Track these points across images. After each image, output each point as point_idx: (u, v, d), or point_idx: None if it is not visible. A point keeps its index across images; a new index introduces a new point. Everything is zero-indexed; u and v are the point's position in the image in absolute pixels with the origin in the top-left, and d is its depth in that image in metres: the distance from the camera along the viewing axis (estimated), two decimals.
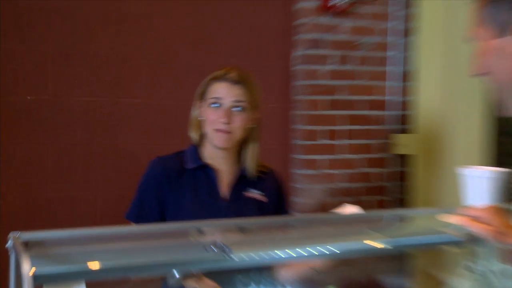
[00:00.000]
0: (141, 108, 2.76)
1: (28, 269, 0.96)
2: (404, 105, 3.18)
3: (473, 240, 1.31)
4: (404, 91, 3.17)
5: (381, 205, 3.12)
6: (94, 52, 2.66)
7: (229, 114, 1.77)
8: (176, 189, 1.79)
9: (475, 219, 1.26)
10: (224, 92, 1.78)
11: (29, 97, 2.54)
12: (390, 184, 3.16)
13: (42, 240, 1.14)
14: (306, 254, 1.27)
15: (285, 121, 2.96)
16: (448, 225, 1.31)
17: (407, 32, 3.14)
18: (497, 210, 1.26)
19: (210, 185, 1.82)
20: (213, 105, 1.78)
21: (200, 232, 1.36)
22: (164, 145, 2.55)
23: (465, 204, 1.33)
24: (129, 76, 2.73)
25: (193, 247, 1.25)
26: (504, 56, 1.08)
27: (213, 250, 1.16)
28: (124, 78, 2.73)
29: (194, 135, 1.85)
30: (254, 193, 1.87)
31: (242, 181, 1.86)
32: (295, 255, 1.27)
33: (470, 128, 3.15)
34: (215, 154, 1.83)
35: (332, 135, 3.03)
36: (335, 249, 1.29)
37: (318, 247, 1.28)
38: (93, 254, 1.13)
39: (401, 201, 3.17)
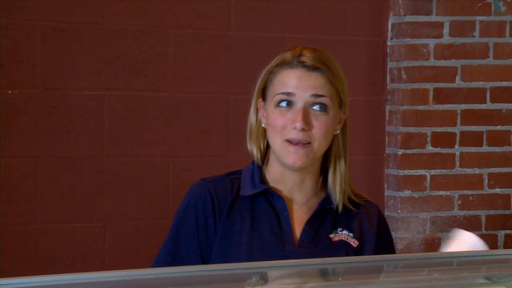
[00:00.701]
0: (163, 105, 2.55)
1: None
2: None
3: None
4: None
5: None
6: (107, 25, 2.47)
7: (306, 115, 1.51)
8: (227, 225, 1.56)
9: None
10: (297, 84, 1.53)
11: (10, 92, 2.38)
12: None
13: None
14: None
15: (374, 121, 2.74)
16: None
17: None
18: None
19: (277, 220, 1.58)
20: (281, 104, 1.52)
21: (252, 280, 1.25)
22: (202, 157, 2.58)
23: None
24: (155, 58, 2.51)
25: None
26: None
27: None
28: (147, 62, 2.50)
29: (254, 149, 1.62)
30: (342, 235, 1.60)
31: (324, 216, 1.61)
32: None
33: None
34: (286, 177, 1.58)
35: (446, 140, 2.71)
36: None
37: None
38: None
39: None
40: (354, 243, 1.59)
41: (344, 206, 1.60)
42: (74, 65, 2.45)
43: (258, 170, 1.61)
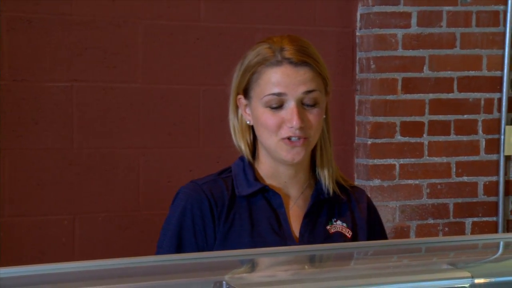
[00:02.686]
0: (139, 97, 2.58)
1: None
2: None
3: None
4: None
5: (492, 228, 2.90)
6: (76, 17, 2.49)
7: (301, 113, 1.54)
8: (225, 228, 1.59)
9: None
10: (286, 82, 1.54)
11: None
12: (499, 199, 2.91)
13: None
14: None
15: (344, 111, 2.76)
16: None
17: None
18: None
19: (276, 218, 1.61)
20: (273, 105, 1.55)
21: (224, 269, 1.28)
22: (172, 149, 2.62)
23: None
24: (125, 50, 2.54)
25: None
26: None
27: None
28: (117, 54, 2.53)
29: (242, 146, 1.62)
30: (337, 225, 1.66)
31: (319, 208, 1.65)
32: None
33: None
34: (279, 172, 1.61)
35: (415, 129, 2.77)
36: None
37: None
38: None
39: None
40: (349, 233, 1.65)
41: (334, 194, 1.64)
42: (42, 56, 2.44)
43: (250, 167, 1.62)
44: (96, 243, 2.52)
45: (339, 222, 1.64)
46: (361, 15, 2.76)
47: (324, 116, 1.62)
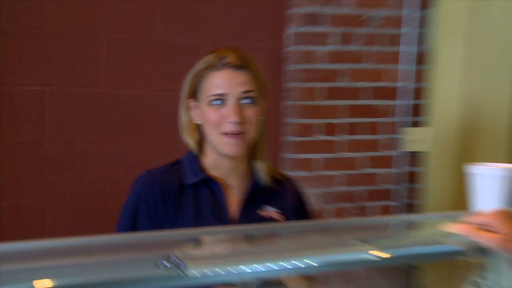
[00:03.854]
0: (103, 100, 2.69)
1: None
2: (418, 93, 3.16)
3: (479, 251, 1.32)
4: (419, 77, 3.15)
5: (387, 211, 3.14)
6: (45, 31, 2.57)
7: (238, 110, 1.64)
8: (175, 210, 1.68)
9: (481, 227, 1.29)
10: (227, 84, 1.65)
11: None
12: (399, 187, 3.17)
13: None
14: (277, 269, 1.27)
15: (274, 113, 2.85)
16: (451, 234, 1.34)
17: (424, 5, 3.10)
18: (506, 215, 1.29)
19: (217, 204, 1.72)
20: (215, 103, 1.65)
21: (173, 245, 1.34)
22: (132, 144, 2.75)
23: (472, 208, 1.36)
24: (90, 59, 2.65)
25: (143, 263, 1.20)
26: None
27: (165, 266, 1.13)
28: (83, 62, 2.64)
29: (190, 142, 1.73)
30: (270, 211, 1.77)
31: (255, 196, 1.76)
32: (263, 270, 1.26)
33: (496, 121, 3.16)
34: (221, 164, 1.72)
35: (331, 129, 3.00)
36: (311, 262, 1.30)
37: (293, 261, 1.28)
38: (32, 271, 1.09)
39: (411, 207, 3.19)
40: (280, 218, 1.77)
41: (269, 184, 1.77)
42: (16, 64, 2.53)
43: (196, 160, 1.73)
44: (65, 226, 2.60)
45: (271, 208, 1.77)
46: (290, 34, 2.93)
47: (264, 118, 1.74)
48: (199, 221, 1.68)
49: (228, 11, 2.86)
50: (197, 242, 1.41)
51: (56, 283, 1.04)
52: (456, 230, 1.29)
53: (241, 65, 1.65)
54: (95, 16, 2.63)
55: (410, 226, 1.76)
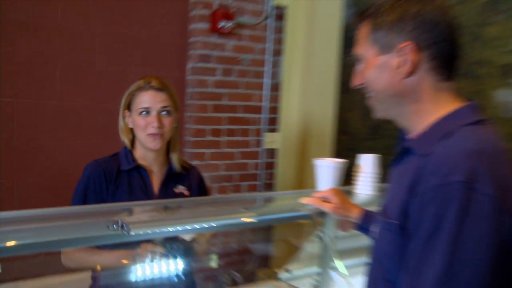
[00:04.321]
0: (57, 109, 2.66)
1: None
2: (273, 110, 3.28)
3: (321, 214, 1.44)
4: (274, 99, 3.27)
5: (254, 188, 3.22)
6: (15, 58, 2.53)
7: (159, 119, 1.66)
8: (114, 188, 1.67)
9: (322, 199, 1.38)
10: (151, 101, 1.66)
11: None
12: (261, 172, 3.25)
13: None
14: (189, 228, 1.36)
15: (179, 122, 2.50)
16: (303, 204, 1.42)
17: (277, 52, 3.24)
18: (337, 192, 1.39)
19: (144, 183, 1.71)
20: (143, 113, 1.67)
21: (116, 213, 1.39)
22: (78, 141, 2.72)
23: (317, 187, 1.45)
24: (48, 79, 2.62)
25: (98, 226, 1.26)
26: (384, 70, 1.04)
27: (115, 228, 1.17)
28: (42, 82, 2.60)
29: (126, 140, 1.73)
30: (181, 189, 1.77)
31: (170, 178, 1.75)
32: (181, 229, 1.37)
33: (321, 128, 3.33)
34: (147, 156, 1.72)
35: (217, 133, 3.06)
36: (212, 224, 1.37)
37: (202, 224, 1.36)
38: (8, 233, 1.10)
39: (269, 186, 3.30)
40: (187, 193, 1.78)
41: (180, 171, 1.76)
42: None
43: (129, 152, 1.73)
44: (28, 200, 2.55)
45: (181, 186, 1.77)
46: (189, 67, 2.99)
47: (176, 125, 1.73)
48: (132, 196, 1.66)
49: (148, 48, 2.87)
50: (132, 211, 1.46)
51: (29, 241, 1.08)
52: (306, 202, 1.40)
53: (161, 88, 1.67)
54: (53, 48, 2.59)
55: (272, 199, 1.92)
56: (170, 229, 1.34)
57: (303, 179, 3.25)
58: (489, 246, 0.87)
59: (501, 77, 3.88)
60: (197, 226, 1.37)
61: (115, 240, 1.23)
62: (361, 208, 1.40)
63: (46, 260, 1.66)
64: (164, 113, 1.67)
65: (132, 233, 1.19)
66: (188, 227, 1.38)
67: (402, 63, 1.01)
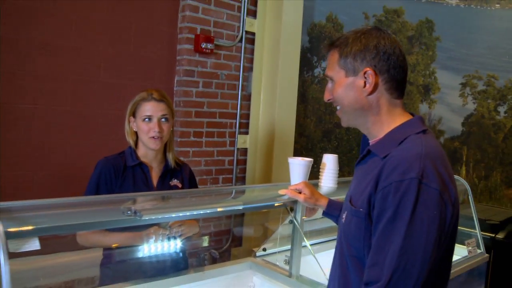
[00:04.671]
0: (68, 114, 2.67)
1: (1, 228, 0.98)
2: (244, 116, 3.31)
3: (294, 203, 1.51)
4: (245, 107, 3.30)
5: (229, 181, 3.25)
6: (36, 72, 2.53)
7: (159, 125, 1.69)
8: (121, 181, 1.69)
9: (295, 190, 1.44)
10: (153, 110, 1.68)
11: None
12: (235, 167, 3.27)
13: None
14: (181, 215, 1.42)
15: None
16: (280, 194, 1.48)
17: (248, 69, 3.28)
18: (308, 185, 1.45)
19: (145, 177, 1.73)
20: (146, 120, 1.69)
21: (133, 202, 1.42)
22: (85, 140, 2.70)
23: (290, 181, 1.48)
24: (61, 89, 2.62)
25: (115, 212, 1.29)
26: (351, 89, 1.09)
27: (129, 214, 1.20)
28: (56, 91, 2.61)
29: (130, 141, 1.75)
30: (175, 182, 1.79)
31: (166, 173, 1.77)
32: (181, 215, 1.42)
33: (283, 132, 3.36)
34: (148, 154, 1.74)
35: (198, 134, 3.08)
36: (207, 211, 1.45)
37: (199, 211, 1.44)
38: (43, 217, 1.15)
39: (242, 179, 3.32)
40: (180, 186, 1.79)
41: (174, 167, 1.78)
42: (13, 86, 2.41)
43: (133, 151, 1.75)
44: (45, 189, 2.54)
45: (176, 180, 1.79)
46: (177, 80, 3.02)
47: (172, 129, 1.76)
48: (136, 188, 1.68)
49: (143, 64, 2.87)
50: (136, 200, 1.47)
51: (64, 223, 1.13)
52: (283, 193, 1.45)
53: (161, 99, 1.70)
54: (66, 64, 2.61)
55: (251, 190, 1.92)
56: (174, 215, 1.42)
57: (269, 174, 3.29)
58: (435, 227, 0.94)
59: (421, 94, 4.27)
60: (195, 212, 1.47)
61: (130, 223, 1.27)
62: (327, 198, 1.46)
63: (64, 240, 1.65)
64: (163, 120, 1.70)
65: (145, 218, 1.23)
66: (188, 213, 1.46)
67: (366, 83, 1.08)
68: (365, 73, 1.07)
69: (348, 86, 1.09)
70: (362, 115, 1.11)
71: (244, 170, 3.30)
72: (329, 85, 1.15)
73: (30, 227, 1.07)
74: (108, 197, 1.56)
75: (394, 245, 0.93)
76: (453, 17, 4.07)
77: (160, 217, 1.35)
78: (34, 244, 1.09)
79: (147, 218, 1.24)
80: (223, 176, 3.22)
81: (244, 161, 3.30)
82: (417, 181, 0.94)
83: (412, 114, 1.12)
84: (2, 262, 0.94)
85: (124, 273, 1.64)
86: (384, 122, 1.10)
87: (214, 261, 2.68)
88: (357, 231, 1.04)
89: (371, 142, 1.13)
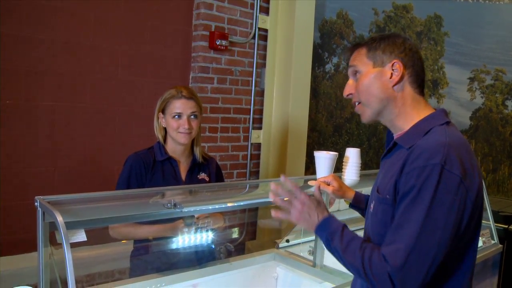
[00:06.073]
0: (87, 111, 2.70)
1: (61, 219, 1.02)
2: (258, 111, 3.35)
3: (323, 193, 1.45)
4: (258, 102, 3.34)
5: (243, 175, 3.30)
6: (56, 70, 2.57)
7: (189, 121, 1.71)
8: (151, 175, 1.72)
9: (325, 183, 1.44)
10: (182, 107, 1.70)
11: (8, 101, 2.41)
12: (249, 162, 3.31)
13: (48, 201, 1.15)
14: (217, 207, 1.49)
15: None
16: (310, 186, 1.43)
17: (261, 65, 3.31)
18: (336, 177, 1.46)
19: (174, 171, 1.76)
20: (176, 117, 1.71)
21: (164, 196, 1.47)
22: (103, 136, 2.72)
23: (317, 174, 1.47)
24: (81, 87, 2.65)
25: (157, 205, 1.33)
26: (378, 78, 1.11)
27: (169, 206, 1.24)
28: (76, 89, 2.64)
29: (159, 136, 1.77)
30: (202, 175, 1.82)
31: (194, 167, 1.81)
32: (210, 208, 1.48)
33: (296, 127, 3.38)
34: (176, 149, 1.77)
35: (213, 130, 3.11)
36: (233, 204, 1.50)
37: (233, 203, 1.49)
38: (90, 210, 1.18)
39: (255, 173, 3.37)
40: (208, 179, 1.83)
41: (201, 161, 1.81)
42: (31, 86, 2.44)
43: (162, 146, 1.76)
44: (65, 184, 2.57)
45: (203, 174, 1.82)
46: (192, 76, 3.04)
47: (199, 125, 1.78)
48: (165, 182, 1.71)
49: (159, 62, 2.90)
50: (164, 194, 1.47)
51: (106, 216, 1.16)
52: (312, 184, 1.42)
53: (190, 97, 1.72)
54: (86, 63, 2.65)
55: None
56: (210, 207, 1.48)
57: (282, 168, 3.31)
58: (454, 212, 0.98)
59: (429, 89, 4.32)
60: (229, 204, 1.51)
61: (171, 215, 1.33)
62: (354, 190, 1.48)
63: (97, 233, 1.65)
64: (192, 117, 1.73)
65: (185, 210, 1.29)
66: (214, 206, 1.51)
67: (393, 74, 1.11)
68: (393, 64, 1.11)
69: (376, 76, 1.12)
70: (387, 107, 1.13)
71: (258, 165, 3.34)
72: (351, 80, 1.17)
73: (83, 219, 1.12)
74: (143, 191, 1.58)
75: (413, 226, 0.97)
76: (461, 12, 4.09)
77: (198, 209, 1.42)
78: (80, 236, 1.14)
79: (188, 210, 1.30)
80: (238, 170, 3.26)
81: (258, 156, 3.33)
82: (440, 167, 0.98)
83: (434, 108, 1.17)
84: (65, 250, 1.00)
85: (154, 264, 1.69)
86: (408, 114, 1.13)
87: (240, 252, 2.70)
88: (383, 218, 1.07)
89: (395, 135, 1.16)
